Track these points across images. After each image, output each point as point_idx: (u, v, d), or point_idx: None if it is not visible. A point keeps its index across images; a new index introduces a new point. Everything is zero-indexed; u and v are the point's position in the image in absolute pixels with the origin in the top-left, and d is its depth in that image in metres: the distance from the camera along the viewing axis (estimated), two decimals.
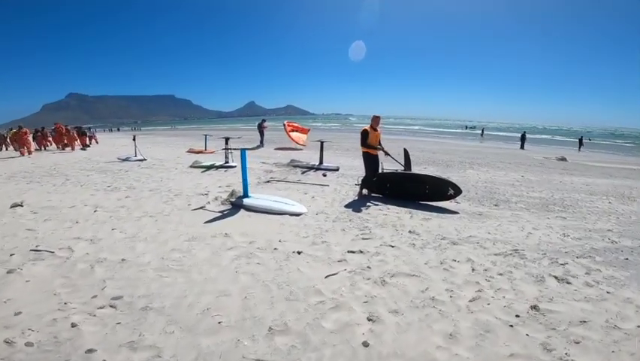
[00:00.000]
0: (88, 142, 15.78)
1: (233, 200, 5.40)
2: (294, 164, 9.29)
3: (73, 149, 14.63)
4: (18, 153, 13.17)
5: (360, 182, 6.07)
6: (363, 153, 5.70)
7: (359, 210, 5.00)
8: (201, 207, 5.22)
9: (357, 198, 5.73)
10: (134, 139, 11.39)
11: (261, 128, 15.66)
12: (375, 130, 5.62)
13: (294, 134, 12.91)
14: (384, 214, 4.81)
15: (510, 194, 6.54)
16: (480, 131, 38.49)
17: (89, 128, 16.41)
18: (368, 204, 5.35)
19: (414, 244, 3.70)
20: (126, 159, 11.07)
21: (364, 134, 5.51)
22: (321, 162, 9.03)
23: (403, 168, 6.13)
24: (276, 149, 13.84)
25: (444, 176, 7.81)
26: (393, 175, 5.79)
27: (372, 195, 5.86)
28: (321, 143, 9.16)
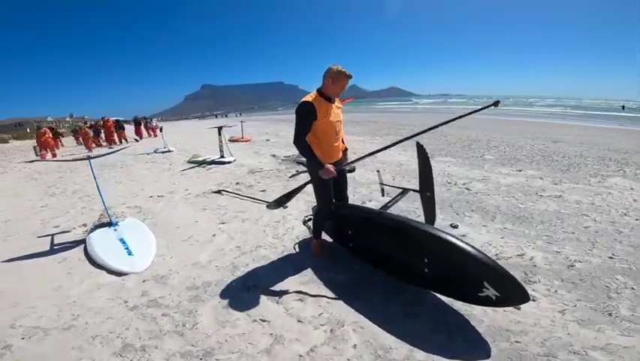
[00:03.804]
0: (137, 136, 15.58)
1: (91, 227, 3.51)
2: (299, 160, 6.84)
3: (89, 149, 12.74)
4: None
5: (307, 220, 3.26)
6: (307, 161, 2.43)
7: (240, 291, 2.26)
8: (50, 235, 3.57)
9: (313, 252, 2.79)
10: (160, 130, 11.14)
11: None
12: (330, 102, 2.28)
13: None
14: (270, 338, 1.90)
15: None
16: None
17: (151, 119, 17.55)
18: (290, 276, 2.47)
19: None
20: (155, 151, 10.90)
21: (304, 110, 2.17)
22: None
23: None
24: None
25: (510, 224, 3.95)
26: (363, 215, 2.53)
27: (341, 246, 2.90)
28: None
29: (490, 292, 1.63)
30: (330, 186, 2.44)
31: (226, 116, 73.05)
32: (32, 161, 6.62)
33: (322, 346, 1.66)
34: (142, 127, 16.11)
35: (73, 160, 3.87)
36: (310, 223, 3.19)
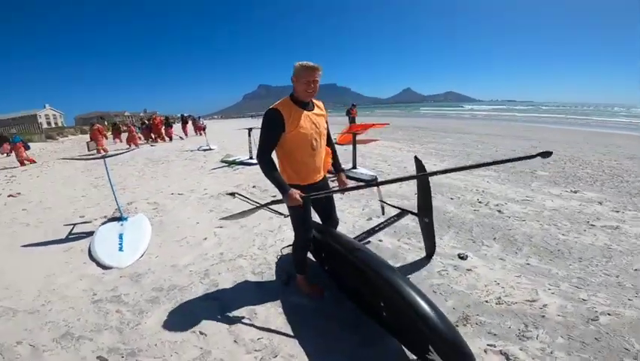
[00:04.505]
0: (180, 135, 16.34)
1: (104, 220, 3.85)
2: None
3: (129, 145, 13.74)
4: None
5: (284, 253, 2.94)
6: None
7: (198, 299, 2.26)
8: (72, 224, 3.97)
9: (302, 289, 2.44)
10: (204, 129, 11.86)
11: (350, 114, 13.29)
12: (306, 109, 1.91)
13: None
14: None
15: None
16: None
17: (199, 117, 18.70)
18: (253, 292, 2.42)
19: None
20: (198, 149, 11.65)
21: (268, 119, 1.84)
22: (354, 166, 6.08)
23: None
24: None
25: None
26: (332, 245, 2.25)
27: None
28: (354, 135, 6.10)
29: (436, 357, 1.37)
30: (308, 212, 2.07)
31: None
32: (63, 158, 7.78)
33: None
34: (188, 125, 17.43)
35: (87, 159, 4.29)
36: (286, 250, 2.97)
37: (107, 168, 3.79)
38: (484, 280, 2.47)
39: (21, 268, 2.89)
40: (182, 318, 2.02)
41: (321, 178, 2.10)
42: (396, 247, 3.06)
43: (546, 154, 1.62)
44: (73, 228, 3.88)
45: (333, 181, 2.39)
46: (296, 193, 1.79)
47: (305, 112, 1.88)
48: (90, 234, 3.61)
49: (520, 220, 3.72)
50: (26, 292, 2.43)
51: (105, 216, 4.24)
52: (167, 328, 1.93)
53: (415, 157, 2.75)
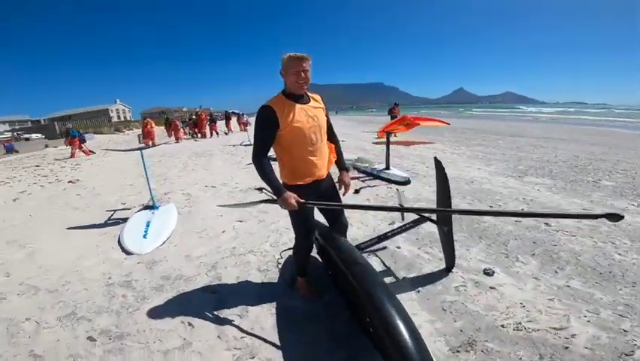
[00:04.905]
0: (225, 130, 17.47)
1: (138, 208, 4.16)
2: (355, 164, 6.61)
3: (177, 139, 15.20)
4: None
5: (283, 256, 2.85)
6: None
7: (198, 291, 2.32)
8: (113, 210, 4.35)
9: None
10: (246, 124, 12.32)
11: (392, 113, 12.89)
12: (299, 102, 1.78)
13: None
14: None
15: None
16: None
17: (242, 114, 19.39)
18: (252, 289, 2.43)
19: None
20: (240, 144, 12.20)
21: (261, 117, 1.73)
22: (387, 167, 5.86)
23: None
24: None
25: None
26: (334, 250, 2.17)
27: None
28: (387, 134, 5.86)
29: None
30: (308, 216, 1.99)
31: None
32: (106, 150, 8.90)
33: None
34: (231, 121, 18.36)
35: (126, 151, 4.66)
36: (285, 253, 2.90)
37: (142, 159, 4.09)
38: (508, 300, 2.19)
39: (58, 249, 3.22)
40: (177, 308, 2.09)
41: (324, 177, 1.98)
42: (415, 255, 2.87)
43: (614, 217, 1.20)
44: (113, 214, 4.25)
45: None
46: (291, 198, 1.71)
47: (299, 105, 1.76)
48: (126, 220, 3.93)
49: (570, 235, 3.26)
50: (54, 272, 2.70)
51: (143, 204, 4.60)
52: (160, 315, 2.02)
53: (435, 158, 2.54)
